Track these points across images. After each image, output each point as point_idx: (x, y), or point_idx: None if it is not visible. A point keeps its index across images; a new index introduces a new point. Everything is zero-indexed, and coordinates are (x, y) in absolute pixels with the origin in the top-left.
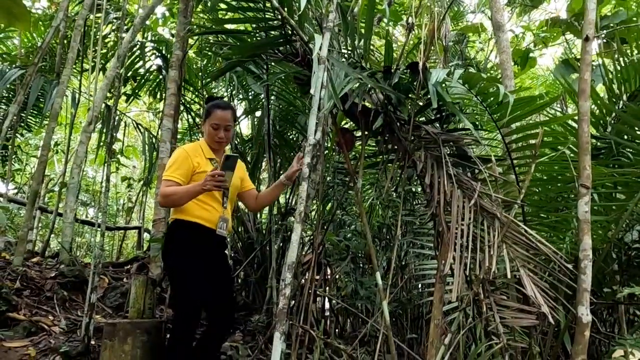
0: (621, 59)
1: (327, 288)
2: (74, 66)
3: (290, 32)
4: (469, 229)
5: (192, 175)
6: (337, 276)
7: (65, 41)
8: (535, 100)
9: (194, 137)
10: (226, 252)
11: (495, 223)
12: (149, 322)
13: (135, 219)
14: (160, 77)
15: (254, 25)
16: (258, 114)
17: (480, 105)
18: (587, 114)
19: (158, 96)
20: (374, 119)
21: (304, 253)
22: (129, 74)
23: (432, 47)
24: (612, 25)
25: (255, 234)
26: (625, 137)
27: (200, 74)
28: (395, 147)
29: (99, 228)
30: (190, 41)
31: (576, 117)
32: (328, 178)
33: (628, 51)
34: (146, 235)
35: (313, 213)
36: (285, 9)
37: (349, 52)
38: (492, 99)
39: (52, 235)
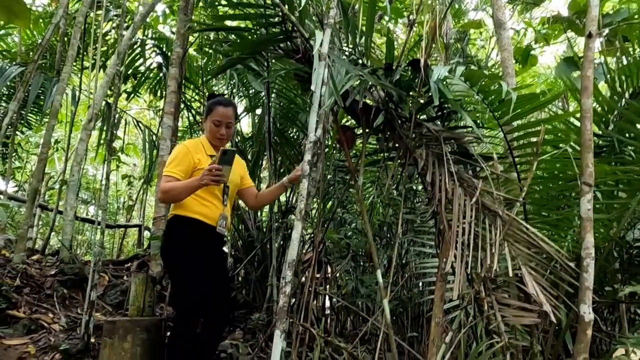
0: (623, 56)
1: (328, 286)
2: (74, 64)
3: (290, 29)
4: (470, 227)
5: (193, 172)
6: (337, 274)
7: (65, 39)
8: (537, 97)
9: (195, 134)
10: (224, 249)
11: (497, 221)
12: (149, 319)
13: (136, 217)
14: (161, 74)
15: (254, 22)
16: (258, 111)
17: (482, 103)
18: (590, 111)
19: (158, 94)
20: (375, 117)
21: (304, 251)
22: (129, 72)
23: (434, 45)
24: (614, 22)
25: (256, 232)
26: (627, 135)
27: (200, 71)
28: (397, 144)
29: (99, 226)
30: (191, 39)
31: (578, 115)
32: (329, 176)
33: (630, 49)
34: (146, 233)
35: (314, 211)
36: (286, 5)
37: (350, 49)
38: (493, 96)
39: (53, 233)
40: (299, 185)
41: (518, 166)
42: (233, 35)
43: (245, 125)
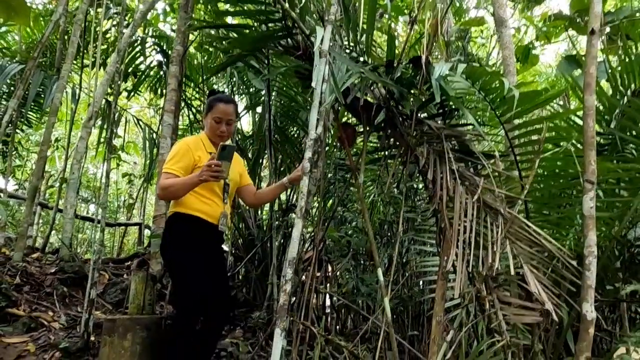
0: (625, 53)
1: (328, 285)
2: (74, 62)
3: (291, 25)
4: (471, 225)
5: (193, 169)
6: (338, 273)
7: (65, 37)
8: (539, 94)
9: (195, 133)
10: (224, 247)
11: (499, 219)
12: (149, 318)
13: (136, 215)
14: (161, 72)
15: (254, 18)
16: (259, 109)
17: (484, 101)
18: (593, 108)
19: (159, 92)
20: (376, 114)
21: (305, 250)
22: (129, 70)
23: (435, 43)
24: (616, 20)
25: (256, 230)
26: (629, 132)
27: (201, 69)
28: (398, 142)
29: (99, 224)
30: (191, 37)
31: (580, 112)
32: (329, 174)
33: (632, 47)
34: (147, 232)
35: (314, 210)
36: (287, 1)
37: (351, 47)
38: (495, 93)
39: (53, 232)
40: (300, 183)
41: (519, 164)
42: (233, 32)
43: (246, 123)
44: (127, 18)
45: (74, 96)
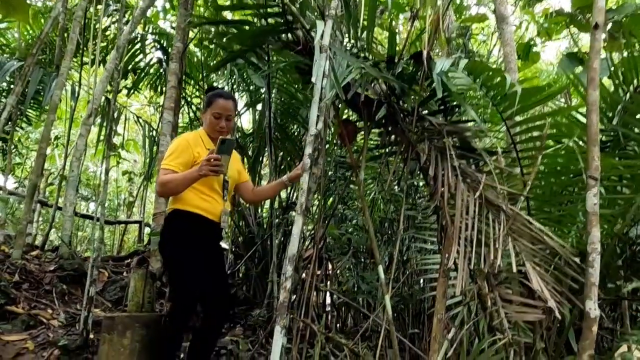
0: (628, 50)
1: (329, 283)
2: (74, 59)
3: (291, 19)
4: (473, 222)
5: (192, 166)
6: (338, 271)
7: (65, 34)
8: (541, 90)
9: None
10: (224, 245)
11: (501, 216)
12: (148, 315)
13: (137, 213)
14: (161, 70)
15: (254, 12)
16: (259, 107)
17: (485, 97)
18: (596, 103)
19: (159, 90)
20: (377, 110)
21: (305, 248)
22: (129, 67)
23: (436, 38)
24: (618, 17)
25: (256, 228)
26: (632, 129)
27: (201, 67)
28: (399, 138)
29: (98, 222)
30: (191, 34)
31: (581, 109)
32: (330, 172)
33: (635, 43)
34: (147, 230)
35: (314, 207)
36: None
37: (352, 43)
38: (497, 90)
39: (53, 230)
40: (300, 180)
41: (521, 161)
42: (233, 29)
43: (246, 121)
44: (126, 15)
45: (74, 93)
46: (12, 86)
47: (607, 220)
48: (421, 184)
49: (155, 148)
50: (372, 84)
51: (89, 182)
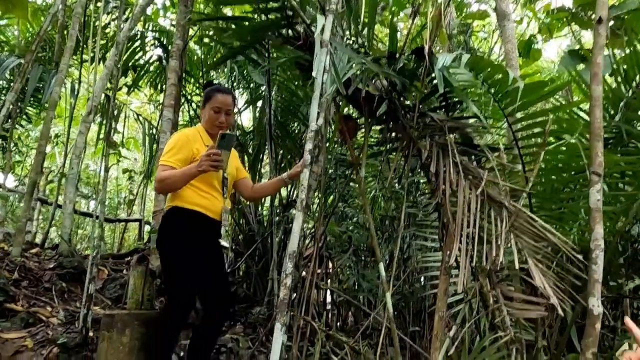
0: (630, 47)
1: (329, 280)
2: (73, 56)
3: (291, 14)
4: (475, 219)
5: (191, 162)
6: (339, 269)
7: (64, 31)
8: (543, 86)
9: None
10: (224, 243)
11: (503, 212)
12: (147, 313)
13: (137, 211)
14: (161, 67)
15: (254, 7)
16: (259, 104)
17: (487, 93)
18: (600, 99)
19: (158, 87)
20: (377, 106)
21: (305, 246)
22: (129, 65)
23: (437, 34)
24: (621, 13)
25: (257, 226)
26: (634, 124)
27: (201, 64)
28: (400, 135)
29: (98, 219)
30: (191, 32)
31: (583, 105)
32: (330, 170)
33: (638, 40)
34: (147, 227)
35: (315, 205)
36: None
37: (353, 40)
38: (499, 85)
39: (52, 227)
40: (300, 177)
41: (523, 157)
42: (233, 25)
43: (246, 118)
44: (126, 12)
45: (73, 91)
46: (11, 83)
47: (609, 217)
48: (422, 181)
49: (155, 146)
50: (373, 80)
51: (89, 180)
